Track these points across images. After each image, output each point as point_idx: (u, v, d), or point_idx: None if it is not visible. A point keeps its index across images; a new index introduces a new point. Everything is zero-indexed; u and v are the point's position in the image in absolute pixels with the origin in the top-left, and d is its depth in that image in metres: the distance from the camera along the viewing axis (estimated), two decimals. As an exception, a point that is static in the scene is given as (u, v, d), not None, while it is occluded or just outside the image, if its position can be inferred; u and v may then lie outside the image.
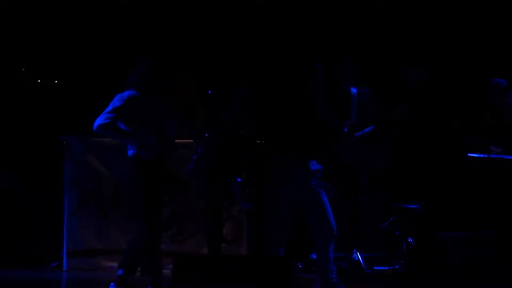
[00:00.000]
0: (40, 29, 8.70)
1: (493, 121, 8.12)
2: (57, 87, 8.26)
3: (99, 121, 6.31)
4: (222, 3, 8.87)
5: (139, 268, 6.54)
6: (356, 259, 8.04)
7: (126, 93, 6.42)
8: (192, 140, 7.41)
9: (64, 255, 7.66)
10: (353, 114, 8.16)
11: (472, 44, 8.89)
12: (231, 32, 8.74)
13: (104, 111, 6.33)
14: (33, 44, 8.64)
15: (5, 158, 8.21)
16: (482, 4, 8.82)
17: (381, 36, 8.93)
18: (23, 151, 8.27)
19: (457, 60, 8.90)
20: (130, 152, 6.47)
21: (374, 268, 7.99)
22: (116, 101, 6.38)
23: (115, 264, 7.16)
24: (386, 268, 7.99)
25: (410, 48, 8.92)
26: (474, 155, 8.02)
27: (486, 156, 7.94)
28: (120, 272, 6.53)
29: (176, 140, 6.64)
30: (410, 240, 8.11)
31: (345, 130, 8.02)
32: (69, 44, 8.65)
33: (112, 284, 6.52)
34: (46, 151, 8.12)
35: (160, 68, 6.43)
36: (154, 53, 6.53)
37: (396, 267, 7.98)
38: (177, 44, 8.57)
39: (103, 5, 8.80)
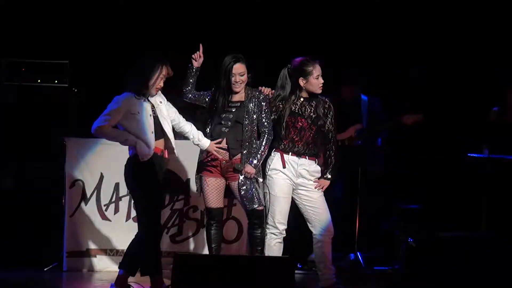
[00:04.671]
0: (40, 29, 8.70)
1: (501, 120, 8.13)
2: (57, 87, 8.25)
3: (96, 124, 6.33)
4: (223, 5, 8.87)
5: (139, 268, 6.54)
6: (356, 259, 8.04)
7: (123, 95, 6.43)
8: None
9: (64, 255, 7.66)
10: (363, 120, 8.18)
11: (472, 43, 8.89)
12: (230, 31, 8.74)
13: (102, 114, 6.34)
14: (33, 43, 8.63)
15: (5, 158, 8.20)
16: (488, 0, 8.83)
17: (381, 35, 8.93)
18: (23, 151, 8.26)
19: (457, 59, 8.90)
20: (130, 152, 6.48)
21: (374, 268, 7.99)
22: (113, 104, 6.39)
23: (115, 264, 7.18)
24: (386, 268, 7.99)
25: (412, 47, 8.92)
26: (474, 155, 8.02)
27: (486, 156, 7.94)
28: (120, 272, 6.54)
29: (175, 140, 6.63)
30: (410, 240, 8.11)
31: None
32: (69, 44, 8.65)
33: (112, 284, 6.53)
34: (46, 151, 8.11)
35: (158, 68, 6.42)
36: (151, 54, 6.52)
37: (396, 267, 7.97)
38: (176, 44, 8.56)
39: (103, 4, 8.81)
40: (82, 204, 7.71)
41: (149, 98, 6.50)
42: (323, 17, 8.94)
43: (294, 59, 6.73)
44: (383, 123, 8.12)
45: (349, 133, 8.08)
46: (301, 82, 6.71)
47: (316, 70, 6.69)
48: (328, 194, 6.85)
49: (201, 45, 6.71)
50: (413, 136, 8.44)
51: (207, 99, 6.79)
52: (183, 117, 6.79)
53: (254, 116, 6.70)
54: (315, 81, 6.70)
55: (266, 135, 6.70)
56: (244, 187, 6.67)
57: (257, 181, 6.69)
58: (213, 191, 6.76)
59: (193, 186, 7.59)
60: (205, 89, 6.83)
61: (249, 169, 6.63)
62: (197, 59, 6.73)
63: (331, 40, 8.79)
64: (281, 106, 6.74)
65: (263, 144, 6.69)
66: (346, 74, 8.26)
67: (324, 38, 8.78)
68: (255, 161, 6.65)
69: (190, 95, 6.79)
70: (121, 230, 7.63)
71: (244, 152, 6.67)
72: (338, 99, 7.71)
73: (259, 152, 6.67)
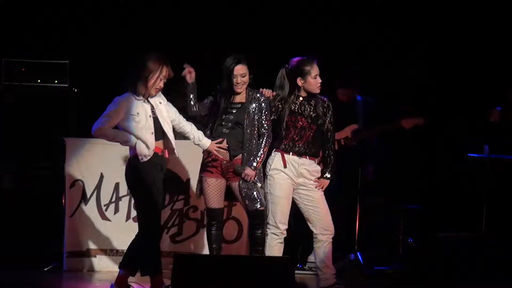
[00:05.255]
0: (39, 29, 8.70)
1: (503, 120, 8.13)
2: (57, 87, 8.25)
3: (96, 125, 6.34)
4: (223, 5, 8.87)
5: (139, 268, 6.54)
6: (356, 259, 8.04)
7: (123, 96, 6.43)
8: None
9: (64, 255, 7.66)
10: (359, 121, 8.18)
11: (472, 42, 8.89)
12: (230, 32, 8.74)
13: (102, 115, 6.35)
14: (33, 43, 8.64)
15: (5, 158, 8.20)
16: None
17: (381, 35, 8.93)
18: (23, 151, 8.26)
19: (457, 59, 8.90)
20: (130, 153, 6.49)
21: (374, 268, 7.99)
22: (113, 104, 6.40)
23: (115, 264, 7.18)
24: (386, 268, 7.99)
25: (412, 47, 8.92)
26: (474, 155, 8.02)
27: (486, 156, 7.94)
28: (120, 272, 6.54)
29: (175, 140, 6.63)
30: (410, 240, 8.11)
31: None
32: (69, 44, 8.66)
33: (112, 284, 6.53)
34: (46, 151, 8.10)
35: (158, 69, 6.42)
36: (151, 54, 6.50)
37: (396, 267, 7.97)
38: (176, 44, 8.57)
39: (103, 5, 8.81)
40: (82, 204, 7.71)
41: (148, 99, 6.50)
42: (322, 17, 8.93)
43: (292, 59, 6.73)
44: (381, 125, 8.10)
45: (344, 133, 8.07)
46: (299, 82, 6.71)
47: (314, 70, 6.68)
48: (327, 194, 6.85)
49: (186, 65, 6.72)
50: (412, 136, 8.43)
51: (208, 106, 6.82)
52: (184, 117, 6.79)
53: (255, 117, 6.70)
54: (313, 81, 6.70)
55: (265, 137, 6.70)
56: (246, 188, 6.67)
57: (255, 184, 6.68)
58: (214, 191, 6.76)
59: (193, 186, 7.60)
60: (206, 88, 6.83)
61: (249, 171, 6.63)
62: (188, 75, 6.74)
63: (329, 40, 8.79)
64: (280, 106, 6.74)
65: (262, 146, 6.69)
66: (344, 75, 8.23)
67: (323, 38, 8.78)
68: (254, 164, 6.65)
69: (194, 109, 6.80)
70: (121, 230, 7.63)
71: (245, 154, 6.67)
72: (334, 99, 7.70)
73: (258, 155, 6.67)
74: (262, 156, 6.68)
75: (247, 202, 6.68)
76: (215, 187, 6.76)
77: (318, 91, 6.74)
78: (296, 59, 6.73)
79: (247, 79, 6.71)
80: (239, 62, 6.66)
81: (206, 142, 6.69)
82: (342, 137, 8.07)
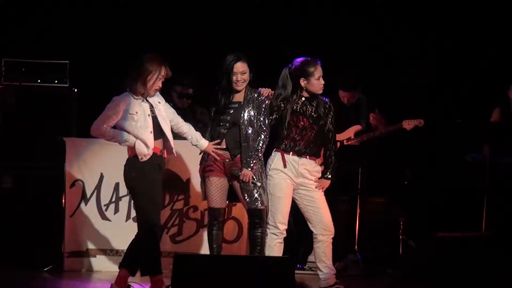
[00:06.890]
0: (40, 29, 8.70)
1: (506, 119, 8.13)
2: (57, 87, 8.25)
3: (95, 125, 6.36)
4: (223, 5, 8.87)
5: (139, 268, 6.54)
6: (356, 259, 8.04)
7: (121, 96, 6.44)
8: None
9: (64, 255, 7.66)
10: (362, 122, 8.18)
11: (473, 42, 8.89)
12: (230, 32, 8.75)
13: (100, 114, 6.36)
14: (33, 43, 8.64)
15: (5, 158, 8.20)
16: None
17: (381, 36, 8.94)
18: (23, 151, 8.25)
19: (458, 59, 8.90)
20: (129, 152, 6.48)
21: (374, 268, 7.99)
22: (112, 104, 6.41)
23: (115, 264, 7.18)
24: (386, 268, 7.99)
25: (412, 47, 8.93)
26: (474, 155, 8.02)
27: (486, 156, 7.95)
28: (120, 272, 6.53)
29: (175, 140, 6.63)
30: (410, 240, 8.11)
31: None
32: (69, 44, 8.66)
33: (112, 284, 6.53)
34: (46, 151, 8.10)
35: (157, 69, 6.41)
36: (150, 54, 6.50)
37: (396, 267, 7.97)
38: (175, 44, 8.57)
39: (103, 5, 8.82)
40: (82, 204, 7.71)
41: (147, 98, 6.50)
42: (322, 16, 8.94)
43: (295, 59, 6.73)
44: (384, 127, 8.09)
45: (348, 134, 8.08)
46: (302, 82, 6.71)
47: (317, 71, 6.68)
48: (327, 194, 6.85)
49: None
50: (413, 137, 8.43)
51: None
52: (183, 118, 6.79)
53: (251, 117, 6.69)
54: (316, 82, 6.69)
55: (262, 137, 6.69)
56: (247, 186, 6.66)
57: (255, 185, 6.68)
58: (217, 191, 6.75)
59: (193, 186, 7.61)
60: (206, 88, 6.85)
61: (246, 172, 6.62)
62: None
63: (329, 40, 8.79)
64: (282, 105, 6.74)
65: (259, 146, 6.67)
66: (343, 77, 8.20)
67: (323, 38, 8.78)
68: (251, 164, 6.64)
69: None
70: (121, 230, 7.63)
71: (242, 154, 6.66)
72: (336, 100, 7.71)
73: (255, 155, 6.65)
74: (259, 156, 6.67)
75: (248, 201, 6.68)
76: (218, 186, 6.75)
77: (320, 91, 6.75)
78: (299, 59, 6.72)
79: (247, 77, 6.71)
80: (239, 60, 6.66)
81: (204, 143, 6.69)
82: (344, 138, 8.07)
